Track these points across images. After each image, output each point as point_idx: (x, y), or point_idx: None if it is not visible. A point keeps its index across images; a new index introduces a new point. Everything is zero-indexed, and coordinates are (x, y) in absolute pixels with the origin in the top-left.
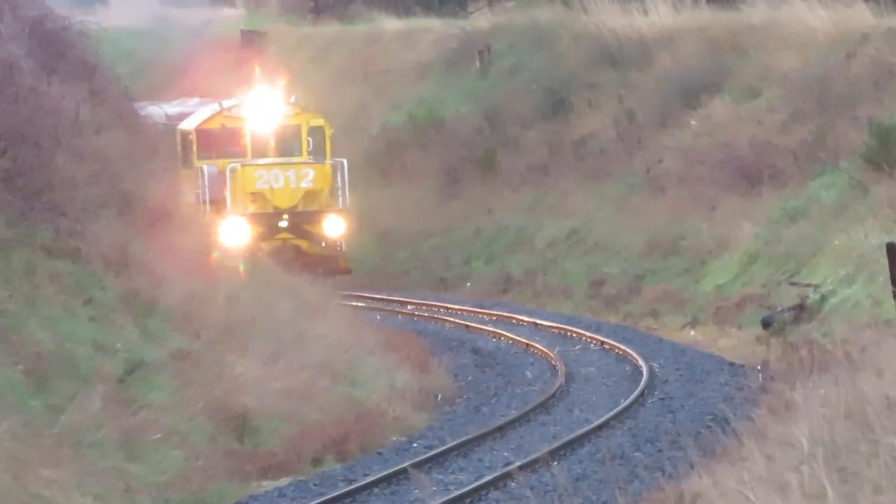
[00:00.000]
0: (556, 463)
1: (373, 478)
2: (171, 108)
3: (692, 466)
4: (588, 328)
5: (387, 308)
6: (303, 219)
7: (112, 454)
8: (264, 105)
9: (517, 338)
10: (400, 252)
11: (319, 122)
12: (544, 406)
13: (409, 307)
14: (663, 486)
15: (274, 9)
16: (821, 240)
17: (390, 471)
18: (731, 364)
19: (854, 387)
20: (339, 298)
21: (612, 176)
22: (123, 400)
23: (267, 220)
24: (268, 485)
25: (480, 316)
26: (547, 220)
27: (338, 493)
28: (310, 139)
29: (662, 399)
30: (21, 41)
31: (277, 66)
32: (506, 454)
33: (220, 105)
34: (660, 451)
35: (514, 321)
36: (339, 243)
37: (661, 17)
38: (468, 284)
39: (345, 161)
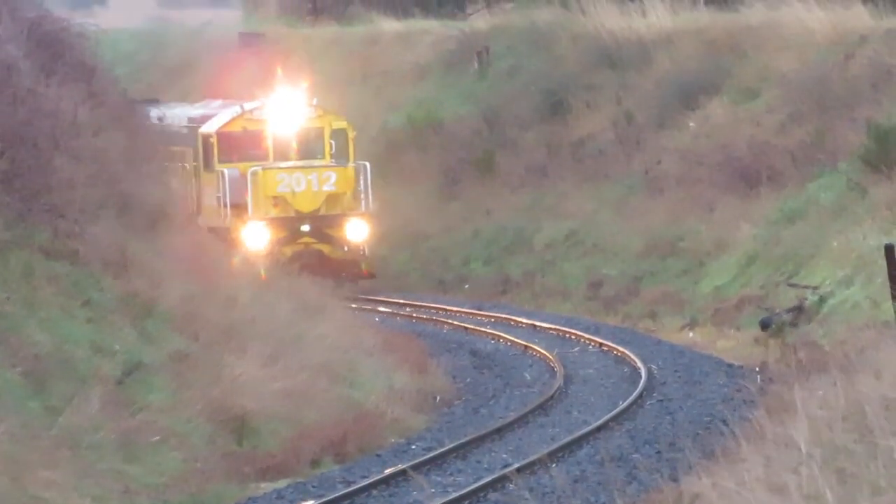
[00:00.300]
0: (554, 465)
1: (371, 479)
2: (194, 111)
3: (691, 468)
4: (587, 329)
5: (385, 311)
6: (325, 223)
7: (110, 456)
8: (286, 107)
9: (516, 339)
10: (398, 253)
11: (342, 124)
12: (543, 408)
13: (407, 308)
14: (662, 488)
15: (272, 10)
16: (819, 241)
17: (389, 472)
18: (730, 365)
19: (852, 388)
20: (343, 300)
21: (610, 177)
22: (122, 401)
23: (289, 225)
24: (266, 486)
25: (479, 317)
26: (545, 221)
27: (336, 494)
28: (332, 142)
29: (661, 400)
30: (19, 42)
31: (300, 69)
32: (504, 456)
33: (242, 108)
34: (658, 452)
35: (512, 322)
36: (361, 248)
37: (659, 19)
38: (467, 286)
39: (367, 164)
